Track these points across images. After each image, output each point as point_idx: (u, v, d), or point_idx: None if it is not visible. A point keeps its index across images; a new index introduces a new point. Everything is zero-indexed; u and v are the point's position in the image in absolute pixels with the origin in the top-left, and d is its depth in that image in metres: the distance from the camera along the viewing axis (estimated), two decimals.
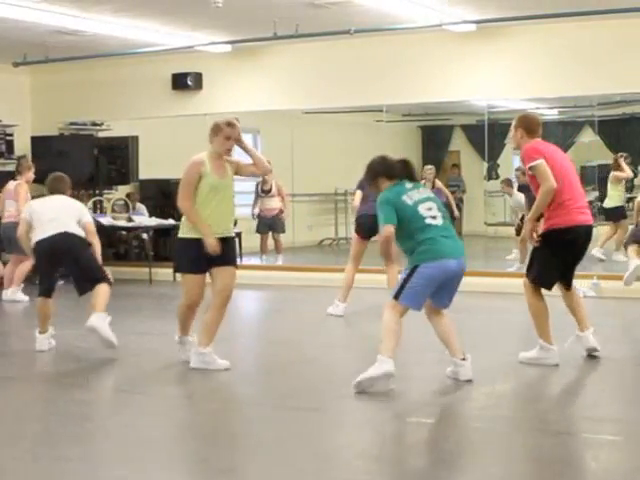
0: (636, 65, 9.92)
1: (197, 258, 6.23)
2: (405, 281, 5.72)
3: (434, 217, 5.82)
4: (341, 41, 10.82)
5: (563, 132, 15.26)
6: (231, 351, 6.77)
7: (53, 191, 7.52)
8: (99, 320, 6.96)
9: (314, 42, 11.08)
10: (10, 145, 12.79)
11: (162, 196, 13.04)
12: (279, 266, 12.62)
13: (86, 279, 7.21)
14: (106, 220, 12.04)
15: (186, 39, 11.10)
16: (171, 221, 11.85)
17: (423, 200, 5.86)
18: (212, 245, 6.13)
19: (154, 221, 12.44)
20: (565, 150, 15.39)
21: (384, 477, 4.39)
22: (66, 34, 10.57)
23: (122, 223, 12.34)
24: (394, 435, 5.18)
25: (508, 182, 13.05)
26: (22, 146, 12.77)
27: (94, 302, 7.09)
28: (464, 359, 5.86)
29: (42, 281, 7.32)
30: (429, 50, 10.97)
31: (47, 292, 7.22)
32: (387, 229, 5.72)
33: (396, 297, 5.71)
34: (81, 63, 12.16)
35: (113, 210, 12.80)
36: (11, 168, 12.70)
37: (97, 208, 12.69)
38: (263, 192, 13.20)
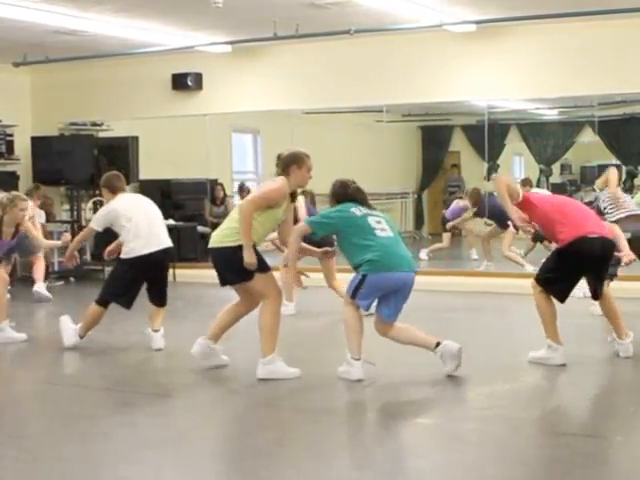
0: (636, 65, 9.92)
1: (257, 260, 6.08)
2: (357, 287, 5.96)
3: (383, 229, 6.02)
4: (341, 41, 10.81)
5: (563, 132, 15.25)
6: (232, 351, 6.77)
7: (119, 190, 7.43)
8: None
9: (314, 42, 11.08)
10: (10, 145, 12.78)
11: (162, 196, 13.03)
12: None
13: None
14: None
15: (186, 39, 11.10)
16: (171, 221, 11.85)
17: (373, 214, 6.10)
18: (252, 260, 5.97)
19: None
20: (565, 150, 15.51)
21: (383, 477, 4.39)
22: (66, 34, 10.57)
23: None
24: (393, 435, 5.18)
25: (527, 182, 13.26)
26: (22, 146, 12.76)
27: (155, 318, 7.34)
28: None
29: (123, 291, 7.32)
30: (429, 50, 10.96)
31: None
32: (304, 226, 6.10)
33: (353, 297, 5.99)
34: (81, 63, 12.16)
35: None
36: (11, 168, 12.74)
37: (97, 208, 12.67)
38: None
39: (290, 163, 6.14)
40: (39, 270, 10.62)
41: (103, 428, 5.21)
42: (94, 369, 7.05)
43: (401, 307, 6.04)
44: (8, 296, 10.28)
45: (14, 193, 8.52)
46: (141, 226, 7.18)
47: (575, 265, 6.35)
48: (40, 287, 10.46)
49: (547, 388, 6.18)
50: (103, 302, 7.31)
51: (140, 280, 7.29)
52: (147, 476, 4.42)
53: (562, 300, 6.43)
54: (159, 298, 7.36)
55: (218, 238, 6.15)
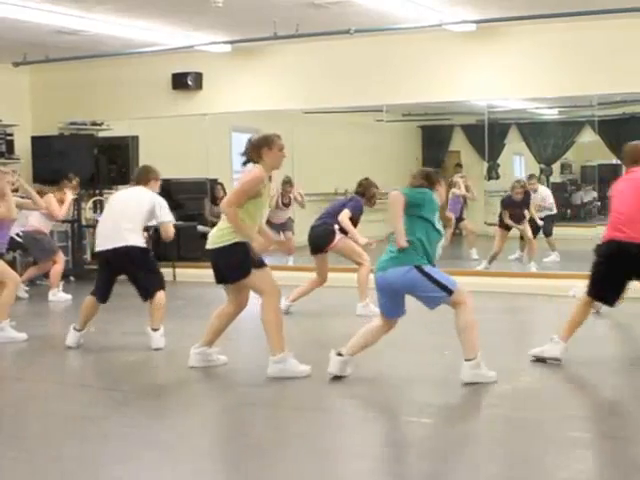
0: (636, 65, 9.91)
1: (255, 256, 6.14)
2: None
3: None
4: (341, 41, 10.81)
5: (563, 132, 15.25)
6: (232, 351, 6.77)
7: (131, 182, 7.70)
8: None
9: (314, 42, 11.08)
10: (10, 145, 12.77)
11: (162, 196, 13.02)
12: (285, 266, 12.57)
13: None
14: None
15: (186, 39, 11.10)
16: None
17: None
18: (264, 243, 6.09)
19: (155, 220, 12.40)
20: (565, 150, 15.51)
21: (383, 477, 4.39)
22: (66, 34, 10.56)
23: None
24: (393, 435, 5.18)
25: (533, 177, 13.35)
26: (22, 146, 12.75)
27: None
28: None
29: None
30: (429, 50, 10.96)
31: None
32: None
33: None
34: (81, 63, 12.15)
35: None
36: (11, 168, 12.71)
37: (97, 208, 12.68)
38: (284, 205, 13.10)
39: (261, 146, 6.14)
40: (55, 275, 10.45)
41: (102, 428, 5.21)
42: (93, 369, 7.06)
43: (393, 307, 6.00)
44: (26, 295, 10.34)
45: None
46: (101, 224, 7.51)
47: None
48: (55, 295, 10.36)
49: (547, 388, 6.17)
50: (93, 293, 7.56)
51: (105, 275, 7.43)
52: (147, 476, 4.42)
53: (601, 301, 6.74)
54: (139, 294, 7.42)
55: (214, 239, 6.19)
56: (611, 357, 6.70)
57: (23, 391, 6.24)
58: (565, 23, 10.01)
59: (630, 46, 9.96)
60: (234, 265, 6.11)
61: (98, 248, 7.43)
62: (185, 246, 12.43)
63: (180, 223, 12.67)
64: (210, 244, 6.22)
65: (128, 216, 7.32)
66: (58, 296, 10.36)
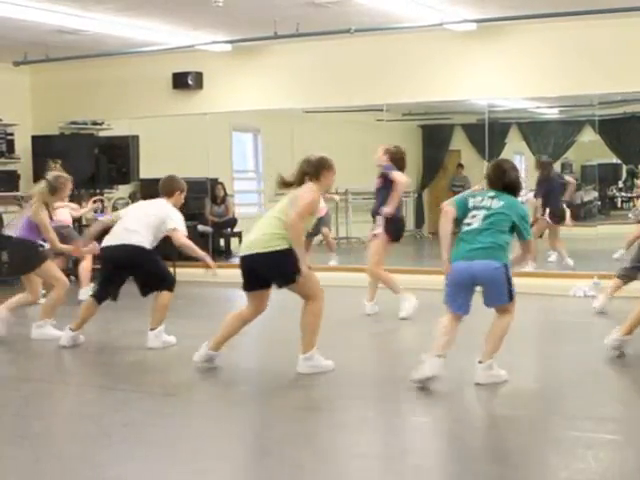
0: (637, 64, 9.91)
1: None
2: None
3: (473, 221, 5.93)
4: (342, 40, 10.82)
5: (563, 131, 15.24)
6: (233, 351, 6.77)
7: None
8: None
9: (314, 41, 11.07)
10: (11, 144, 12.78)
11: None
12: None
13: None
14: (107, 218, 12.02)
15: (187, 38, 11.10)
16: None
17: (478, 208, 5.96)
18: (306, 266, 6.18)
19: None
20: (566, 149, 15.50)
21: (383, 477, 4.39)
22: (66, 33, 10.57)
23: None
24: (393, 434, 5.18)
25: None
26: (23, 145, 12.76)
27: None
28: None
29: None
30: (429, 49, 10.96)
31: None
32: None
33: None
34: (82, 62, 12.15)
35: (115, 209, 12.79)
36: (12, 167, 12.73)
37: (98, 208, 12.67)
38: None
39: (323, 166, 6.31)
40: (86, 270, 10.23)
41: (103, 427, 5.21)
42: (94, 368, 7.06)
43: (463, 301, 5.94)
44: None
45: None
46: (114, 227, 7.55)
47: None
48: (84, 294, 9.81)
49: (547, 388, 6.18)
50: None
51: (108, 273, 7.47)
52: (148, 475, 4.42)
53: None
54: (139, 291, 7.49)
55: (261, 243, 6.18)
56: (611, 357, 6.70)
57: (24, 390, 6.24)
58: (566, 22, 10.01)
59: (631, 45, 9.96)
60: (285, 270, 6.15)
61: (103, 244, 7.49)
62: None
63: None
64: (254, 248, 6.19)
65: (141, 221, 7.40)
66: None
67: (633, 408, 5.51)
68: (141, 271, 7.36)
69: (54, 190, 7.89)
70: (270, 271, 6.23)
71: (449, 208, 5.93)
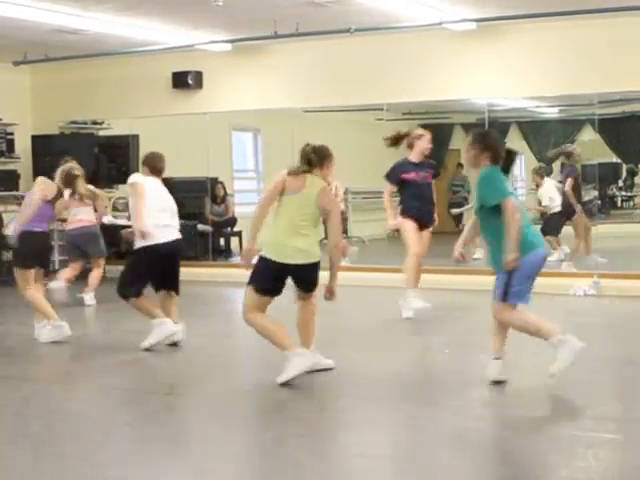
0: (636, 63, 9.91)
1: None
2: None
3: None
4: (341, 40, 10.82)
5: (563, 130, 15.24)
6: (233, 351, 6.77)
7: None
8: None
9: (314, 41, 11.07)
10: (11, 144, 12.79)
11: None
12: None
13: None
14: (107, 219, 12.04)
15: (186, 38, 11.11)
16: None
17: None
18: None
19: None
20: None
21: (384, 476, 4.39)
22: (66, 33, 10.57)
23: (123, 222, 12.32)
24: (393, 434, 5.18)
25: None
26: (23, 145, 12.77)
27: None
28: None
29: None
30: (429, 48, 10.96)
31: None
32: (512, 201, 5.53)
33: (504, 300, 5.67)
34: (82, 62, 12.16)
35: (115, 209, 12.80)
36: (12, 167, 12.74)
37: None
38: None
39: (328, 156, 6.23)
40: (96, 278, 10.07)
41: (103, 427, 5.21)
42: (95, 368, 7.05)
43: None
44: (94, 302, 10.02)
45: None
46: (154, 214, 7.67)
47: None
48: (89, 298, 9.82)
49: (547, 388, 6.18)
50: None
51: (156, 269, 7.50)
52: (147, 475, 4.42)
53: None
54: (174, 289, 7.60)
55: (315, 252, 6.13)
56: (612, 356, 6.70)
57: (24, 390, 6.24)
58: (565, 22, 10.01)
59: (630, 44, 9.96)
60: (316, 277, 6.20)
61: (161, 240, 7.38)
62: (185, 245, 12.41)
63: (180, 222, 12.68)
64: (310, 258, 6.10)
65: (174, 214, 7.74)
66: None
67: (633, 408, 5.51)
68: (178, 265, 7.54)
69: (69, 178, 8.02)
70: (308, 278, 6.18)
71: (516, 202, 5.57)
